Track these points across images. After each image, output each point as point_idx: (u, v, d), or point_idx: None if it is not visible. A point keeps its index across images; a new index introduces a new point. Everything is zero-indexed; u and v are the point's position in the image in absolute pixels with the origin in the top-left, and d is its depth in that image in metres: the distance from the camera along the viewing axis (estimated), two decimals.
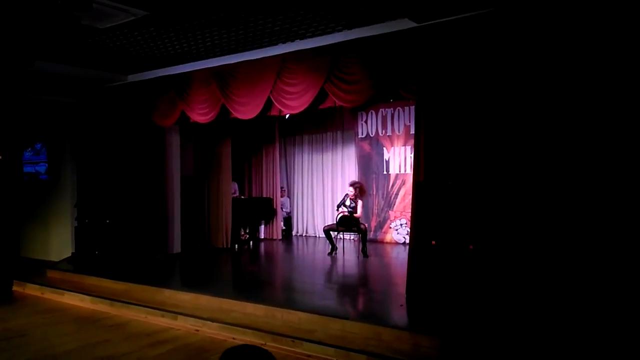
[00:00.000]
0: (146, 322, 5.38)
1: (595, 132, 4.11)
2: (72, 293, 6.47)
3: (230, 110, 6.59)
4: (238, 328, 4.85)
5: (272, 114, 6.54)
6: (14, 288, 7.14)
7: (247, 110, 6.42)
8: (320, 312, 4.85)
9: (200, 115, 6.93)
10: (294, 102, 6.03)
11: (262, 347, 4.64)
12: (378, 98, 6.47)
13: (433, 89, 5.01)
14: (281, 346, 4.51)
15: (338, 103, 5.86)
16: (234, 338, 4.80)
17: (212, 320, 5.03)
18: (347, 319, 4.64)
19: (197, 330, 5.03)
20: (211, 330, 4.97)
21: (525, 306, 4.14)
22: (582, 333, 3.83)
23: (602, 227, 4.02)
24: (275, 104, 6.20)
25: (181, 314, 5.29)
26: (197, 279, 6.95)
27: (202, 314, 5.23)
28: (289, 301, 5.43)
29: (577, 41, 4.15)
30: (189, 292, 5.83)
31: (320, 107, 6.04)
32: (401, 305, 5.07)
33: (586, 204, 4.11)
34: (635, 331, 3.67)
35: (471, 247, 4.57)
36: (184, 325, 5.16)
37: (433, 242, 4.86)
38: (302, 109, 5.98)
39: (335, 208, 8.36)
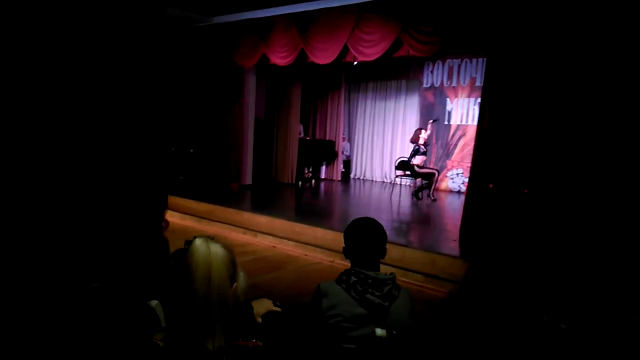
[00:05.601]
0: (229, 237, 6.25)
1: None
2: None
3: (309, 54, 7.11)
4: (310, 247, 5.62)
5: (346, 60, 7.01)
6: None
7: (324, 55, 6.92)
8: None
9: (280, 58, 7.50)
10: (369, 50, 6.47)
11: (331, 263, 5.46)
12: (448, 50, 6.76)
13: (503, 46, 5.30)
14: (348, 264, 5.24)
15: (411, 52, 6.25)
16: (306, 254, 5.58)
17: (288, 239, 5.83)
18: (406, 246, 5.28)
19: (274, 247, 5.85)
20: (287, 247, 5.76)
21: (570, 247, 4.59)
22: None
23: None
24: (352, 50, 6.66)
25: (260, 232, 6.12)
26: (269, 207, 7.74)
27: (278, 234, 6.04)
28: None
29: None
30: (265, 216, 6.63)
31: (394, 55, 6.44)
32: (454, 240, 5.65)
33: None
34: None
35: (526, 191, 5.01)
36: (262, 241, 6.00)
37: (490, 186, 5.33)
38: (377, 56, 6.42)
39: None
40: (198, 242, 1.32)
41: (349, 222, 2.06)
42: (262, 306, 1.65)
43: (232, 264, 1.34)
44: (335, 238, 5.84)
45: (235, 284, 1.33)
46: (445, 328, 1.70)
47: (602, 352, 1.66)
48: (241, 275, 1.37)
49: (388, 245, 2.03)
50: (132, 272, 1.93)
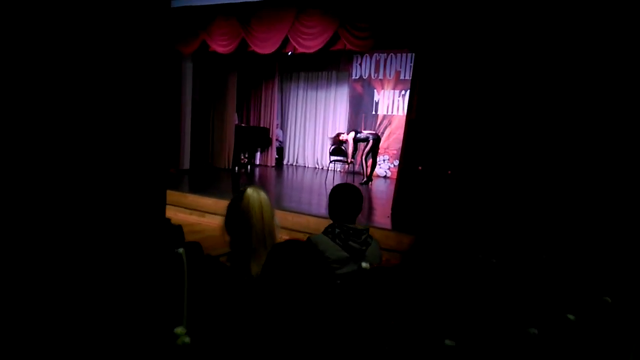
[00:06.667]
0: (177, 218, 6.44)
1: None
2: None
3: (250, 44, 7.43)
4: None
5: (287, 50, 7.43)
6: None
7: (266, 45, 7.28)
8: (322, 217, 6.06)
9: (221, 46, 7.75)
10: (309, 42, 6.93)
11: (280, 239, 5.91)
12: (381, 45, 7.41)
13: (430, 44, 6.01)
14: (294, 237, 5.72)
15: (348, 47, 6.81)
16: None
17: None
18: None
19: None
20: None
21: (485, 215, 5.42)
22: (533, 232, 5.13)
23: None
24: (292, 42, 7.09)
25: (208, 212, 6.41)
26: (211, 189, 7.99)
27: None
28: (295, 210, 6.59)
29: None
30: (211, 198, 6.90)
31: (332, 48, 6.97)
32: (387, 217, 6.33)
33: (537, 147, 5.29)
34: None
35: (449, 172, 5.79)
36: (211, 221, 6.29)
37: (420, 168, 6.05)
38: (316, 48, 6.90)
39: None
40: (250, 190, 1.74)
41: (290, 204, 2.53)
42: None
43: (272, 207, 1.78)
44: (279, 218, 6.26)
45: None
46: (410, 267, 2.26)
47: (519, 278, 2.30)
48: (275, 217, 1.81)
49: (330, 222, 2.50)
50: (153, 228, 2.29)
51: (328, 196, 2.52)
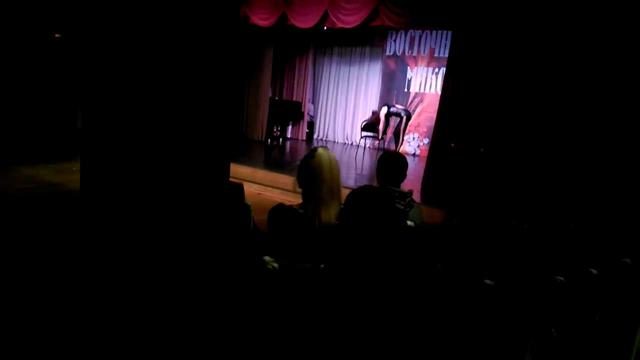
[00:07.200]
0: None
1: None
2: None
3: (290, 18, 7.63)
4: (292, 193, 6.33)
5: (326, 25, 7.60)
6: None
7: (305, 19, 7.47)
8: (351, 187, 6.33)
9: (261, 19, 7.96)
10: (348, 18, 7.10)
11: None
12: (419, 22, 7.52)
13: (468, 22, 6.12)
14: None
15: (387, 23, 6.95)
16: (290, 201, 6.29)
17: (272, 187, 6.50)
18: None
19: (260, 194, 6.51)
20: (271, 194, 6.45)
21: (516, 189, 5.60)
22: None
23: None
24: (332, 17, 7.26)
25: (245, 180, 6.74)
26: (247, 159, 8.32)
27: (262, 182, 6.69)
28: None
29: None
30: (248, 167, 7.24)
31: (370, 25, 7.12)
32: (417, 191, 6.56)
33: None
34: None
35: (482, 150, 5.96)
36: (248, 189, 6.60)
37: (452, 145, 6.24)
38: (355, 24, 7.06)
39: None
40: (321, 149, 2.02)
41: None
42: None
43: (338, 164, 2.07)
44: None
45: None
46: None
47: (548, 240, 2.54)
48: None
49: None
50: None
51: (376, 162, 2.77)
